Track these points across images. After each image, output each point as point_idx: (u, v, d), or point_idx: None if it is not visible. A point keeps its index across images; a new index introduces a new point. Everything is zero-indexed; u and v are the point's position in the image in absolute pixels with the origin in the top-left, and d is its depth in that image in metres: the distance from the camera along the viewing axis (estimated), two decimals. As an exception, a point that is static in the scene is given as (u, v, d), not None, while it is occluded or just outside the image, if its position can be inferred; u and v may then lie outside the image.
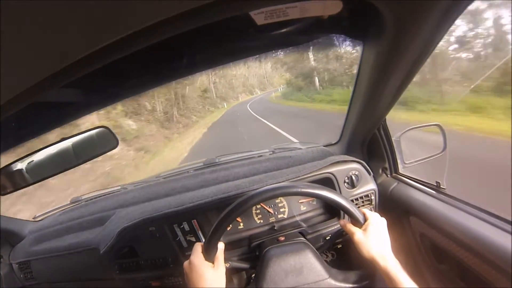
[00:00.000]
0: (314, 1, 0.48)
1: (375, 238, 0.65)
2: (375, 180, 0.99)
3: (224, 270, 0.67)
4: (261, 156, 1.14)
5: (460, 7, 0.46)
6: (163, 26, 0.32)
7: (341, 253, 1.11)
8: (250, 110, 17.12)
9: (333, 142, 1.16)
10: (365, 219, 0.68)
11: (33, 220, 1.21)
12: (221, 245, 0.69)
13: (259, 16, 0.47)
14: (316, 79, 16.27)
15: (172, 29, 0.35)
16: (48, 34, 0.28)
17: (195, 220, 0.91)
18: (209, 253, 0.66)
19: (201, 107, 21.20)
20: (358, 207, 0.95)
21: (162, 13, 0.30)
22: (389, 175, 1.03)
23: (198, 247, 0.67)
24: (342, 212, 0.94)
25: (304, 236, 0.89)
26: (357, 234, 0.66)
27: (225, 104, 26.80)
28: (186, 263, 0.67)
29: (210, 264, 0.65)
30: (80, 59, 0.32)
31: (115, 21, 0.29)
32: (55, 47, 0.30)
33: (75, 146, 0.76)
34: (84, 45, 0.31)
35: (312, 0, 0.48)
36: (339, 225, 0.94)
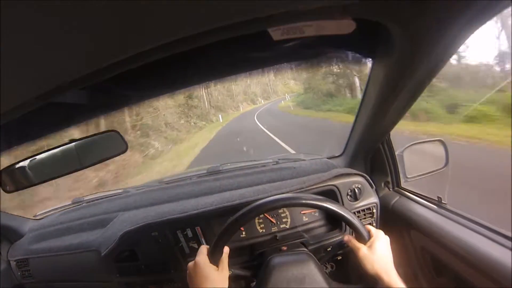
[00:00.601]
0: (330, 20, 0.50)
1: (379, 255, 0.66)
2: (377, 193, 1.00)
3: (227, 274, 0.68)
4: (264, 166, 1.15)
5: (475, 26, 0.46)
6: (184, 42, 0.34)
7: (340, 265, 1.11)
8: (261, 126, 10.98)
9: (336, 155, 1.17)
10: (370, 236, 0.70)
11: (33, 218, 1.20)
12: (226, 249, 0.70)
13: (276, 32, 0.49)
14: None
15: (193, 44, 0.37)
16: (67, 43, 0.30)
17: (198, 227, 0.91)
18: (214, 256, 0.67)
19: (182, 122, 14.25)
20: (360, 220, 0.96)
21: (186, 31, 0.32)
22: (391, 189, 1.04)
23: (204, 249, 0.69)
24: (344, 225, 0.95)
25: (306, 247, 0.89)
26: (362, 250, 0.68)
27: (220, 116, 19.48)
28: (191, 263, 0.68)
29: (215, 267, 0.66)
30: (100, 68, 0.34)
31: (140, 34, 0.31)
32: (75, 56, 0.32)
33: (84, 148, 0.77)
34: (103, 57, 0.33)
35: (327, 19, 0.49)
36: (340, 237, 0.94)
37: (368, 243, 0.69)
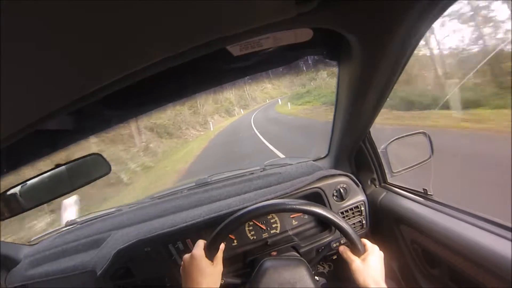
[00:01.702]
0: (286, 31, 0.52)
1: (372, 269, 0.67)
2: (364, 191, 1.01)
3: (221, 270, 0.70)
4: (252, 173, 1.16)
5: (425, 23, 0.49)
6: (152, 67, 0.36)
7: (338, 264, 1.11)
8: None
9: (322, 156, 1.19)
10: (365, 250, 0.71)
11: (28, 244, 1.21)
12: (222, 246, 0.71)
13: (235, 48, 0.51)
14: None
15: (157, 68, 0.39)
16: (52, 71, 0.32)
17: (189, 240, 0.92)
18: (210, 251, 0.68)
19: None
20: (348, 219, 0.97)
21: (153, 57, 0.34)
22: (377, 186, 1.05)
23: (201, 244, 0.70)
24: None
25: (297, 250, 0.90)
26: (356, 262, 0.69)
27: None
28: (187, 255, 0.69)
29: (210, 261, 0.68)
30: (85, 95, 0.36)
31: (113, 63, 0.34)
32: (59, 85, 0.34)
33: (70, 172, 0.79)
34: (88, 84, 0.35)
35: (283, 30, 0.51)
36: (330, 238, 0.95)
37: (362, 256, 0.70)
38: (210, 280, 0.65)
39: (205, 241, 0.71)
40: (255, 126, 12.78)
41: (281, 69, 0.76)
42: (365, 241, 0.73)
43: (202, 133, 17.68)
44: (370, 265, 0.68)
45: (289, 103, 20.58)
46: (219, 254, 0.70)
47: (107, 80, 0.36)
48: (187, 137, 16.20)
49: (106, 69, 0.34)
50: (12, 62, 0.29)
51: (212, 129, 18.45)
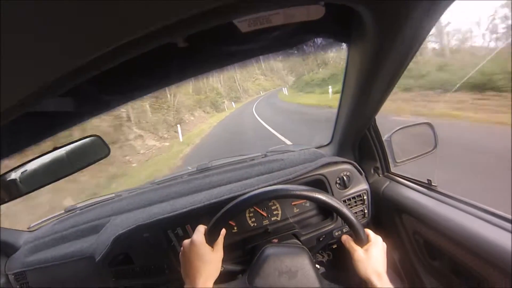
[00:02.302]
0: (297, 7, 0.49)
1: (374, 260, 0.66)
2: (367, 180, 1.00)
3: (221, 256, 0.68)
4: (253, 159, 1.14)
5: (441, 6, 0.47)
6: (150, 37, 0.33)
7: (337, 253, 1.11)
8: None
9: (324, 144, 1.17)
10: (368, 240, 0.70)
11: (27, 230, 1.20)
12: (223, 232, 0.70)
13: (243, 24, 0.48)
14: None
15: (158, 40, 0.36)
16: (46, 42, 0.29)
17: (188, 225, 0.91)
18: (211, 237, 0.67)
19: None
20: (351, 207, 0.96)
21: (151, 24, 0.31)
22: (380, 175, 1.04)
23: (201, 229, 0.68)
24: (335, 214, 0.95)
25: (297, 238, 0.90)
26: (358, 252, 0.68)
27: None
28: (186, 241, 0.68)
29: (210, 247, 0.66)
30: (79, 66, 0.33)
31: (105, 34, 0.31)
32: (53, 55, 0.31)
33: (68, 155, 0.77)
34: (82, 53, 0.32)
35: (294, 6, 0.49)
36: (332, 226, 0.95)
37: (365, 247, 0.69)
38: (210, 267, 0.64)
39: (206, 227, 0.69)
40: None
41: (285, 53, 0.73)
42: (369, 231, 0.72)
43: (166, 143, 11.01)
44: (373, 256, 0.67)
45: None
46: (220, 240, 0.69)
47: (99, 52, 0.33)
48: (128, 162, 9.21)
49: (97, 40, 0.31)
50: None
51: (182, 139, 10.94)
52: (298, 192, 0.68)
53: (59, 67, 0.33)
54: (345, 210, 0.68)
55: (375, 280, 0.63)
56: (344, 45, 0.65)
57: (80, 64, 0.33)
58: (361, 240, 0.69)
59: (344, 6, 0.45)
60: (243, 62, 0.68)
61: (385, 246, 0.72)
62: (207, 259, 0.64)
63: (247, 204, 0.69)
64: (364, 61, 0.62)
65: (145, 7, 0.29)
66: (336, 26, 0.60)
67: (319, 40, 0.67)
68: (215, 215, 0.68)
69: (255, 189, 0.72)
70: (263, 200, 0.70)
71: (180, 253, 0.68)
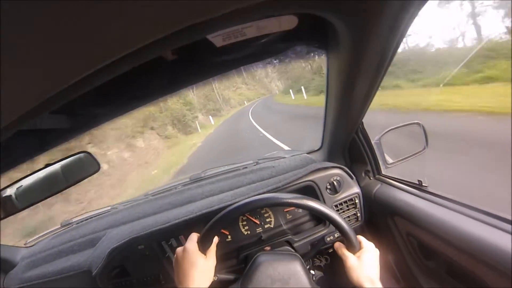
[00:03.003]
0: (269, 19, 0.51)
1: (367, 267, 0.66)
2: (359, 183, 1.00)
3: (214, 263, 0.69)
4: (245, 167, 1.15)
5: (413, 6, 0.47)
6: (132, 56, 0.35)
7: (334, 257, 1.11)
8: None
9: (315, 149, 1.18)
10: (361, 247, 0.70)
11: (24, 246, 1.21)
12: (215, 239, 0.71)
13: (217, 39, 0.50)
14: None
15: (137, 60, 0.38)
16: (39, 61, 0.30)
17: (182, 236, 0.91)
18: (204, 244, 0.68)
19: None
20: (343, 212, 0.96)
21: (128, 45, 0.33)
22: (372, 178, 1.04)
23: (194, 237, 0.69)
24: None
25: (290, 245, 0.90)
26: (351, 259, 0.68)
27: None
28: (179, 249, 0.68)
29: (203, 255, 0.67)
30: (71, 85, 0.35)
31: (93, 52, 0.32)
32: (45, 74, 0.33)
33: (60, 171, 0.78)
34: (75, 71, 0.34)
35: (267, 18, 0.50)
36: (324, 231, 0.94)
37: (357, 254, 0.69)
38: (203, 274, 0.64)
39: (198, 234, 0.70)
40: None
41: (267, 61, 0.74)
42: (361, 238, 0.72)
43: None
44: (365, 262, 0.67)
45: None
46: (212, 248, 0.70)
47: (83, 74, 0.34)
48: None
49: (83, 63, 0.33)
50: None
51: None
52: (289, 200, 0.69)
53: (56, 83, 0.34)
54: (336, 217, 0.68)
55: (367, 285, 0.63)
56: (322, 52, 0.66)
57: (74, 81, 0.34)
58: (353, 247, 0.69)
59: (315, 16, 0.46)
60: (226, 73, 0.70)
61: (378, 252, 0.72)
62: (200, 266, 0.65)
63: (238, 212, 0.70)
64: (343, 66, 0.63)
65: (126, 29, 0.30)
66: (311, 35, 0.61)
67: (298, 48, 0.69)
68: (208, 223, 0.69)
69: (246, 198, 0.72)
70: (253, 208, 0.70)
71: (174, 260, 0.68)
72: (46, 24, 0.27)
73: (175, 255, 0.68)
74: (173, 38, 0.35)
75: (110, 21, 0.29)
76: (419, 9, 0.50)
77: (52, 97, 0.36)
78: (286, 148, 5.83)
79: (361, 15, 0.46)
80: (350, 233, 0.68)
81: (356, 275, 0.65)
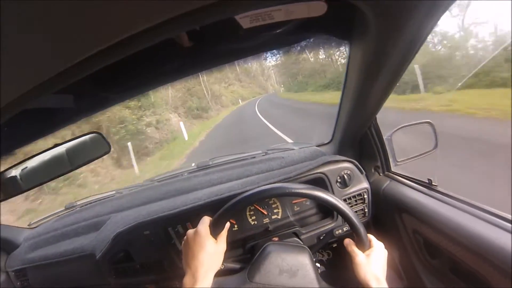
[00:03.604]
0: (299, 3, 0.49)
1: (375, 265, 0.67)
2: (368, 178, 1.00)
3: (224, 249, 0.69)
4: (254, 157, 1.14)
5: (443, 5, 0.47)
6: (151, 32, 0.33)
7: (337, 252, 1.11)
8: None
9: (325, 142, 1.17)
10: (370, 246, 0.71)
11: (28, 227, 1.20)
12: (227, 225, 0.70)
13: (245, 20, 0.48)
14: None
15: (159, 35, 0.36)
16: (44, 40, 0.29)
17: (189, 223, 0.91)
18: (215, 229, 0.67)
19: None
20: (351, 206, 0.96)
21: (152, 19, 0.30)
22: (381, 174, 1.04)
23: (206, 220, 0.69)
24: (335, 213, 0.95)
25: (298, 236, 0.90)
26: (360, 257, 0.68)
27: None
28: (190, 231, 0.68)
29: (214, 239, 0.66)
30: (78, 62, 0.33)
31: (108, 28, 0.30)
32: (51, 52, 0.31)
33: (69, 151, 0.77)
34: (82, 49, 0.32)
35: (296, 2, 0.49)
36: (332, 225, 0.94)
37: (367, 252, 0.69)
38: (212, 258, 0.64)
39: (211, 218, 0.69)
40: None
41: (285, 50, 0.73)
42: (371, 237, 0.73)
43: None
44: (373, 261, 0.67)
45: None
46: (224, 233, 0.69)
47: (97, 47, 0.32)
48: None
49: (93, 38, 0.31)
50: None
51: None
52: (305, 192, 0.68)
53: (60, 62, 0.33)
54: (350, 213, 0.68)
55: (373, 284, 0.63)
56: (345, 43, 0.65)
57: (80, 60, 0.33)
58: (363, 245, 0.69)
59: (346, 4, 0.45)
60: (240, 59, 0.68)
61: (386, 252, 0.72)
62: (210, 250, 0.64)
63: (252, 199, 0.69)
64: (366, 59, 0.62)
65: (147, 1, 0.28)
66: (338, 24, 0.59)
67: (320, 38, 0.67)
68: (217, 211, 0.68)
69: (256, 187, 0.72)
70: (268, 197, 0.70)
71: (183, 242, 0.68)
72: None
73: (186, 237, 0.68)
74: (201, 14, 0.34)
75: None
76: (449, 6, 0.49)
77: (58, 75, 0.34)
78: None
79: (395, 8, 0.45)
80: (362, 230, 0.68)
81: (364, 273, 0.65)
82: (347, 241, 0.74)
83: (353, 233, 0.70)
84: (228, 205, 0.68)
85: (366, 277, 0.65)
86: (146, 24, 0.31)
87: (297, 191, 0.69)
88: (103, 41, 0.32)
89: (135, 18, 0.30)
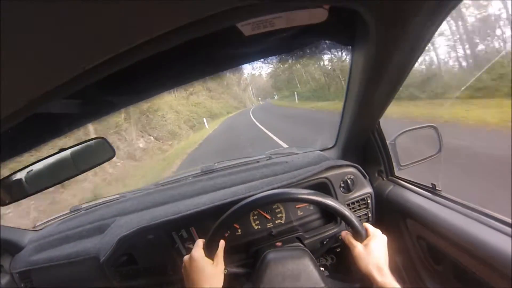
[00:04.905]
0: (300, 10, 0.49)
1: (374, 254, 0.65)
2: (371, 183, 0.99)
3: (223, 268, 0.68)
4: (258, 162, 1.14)
5: (445, 8, 0.47)
6: (155, 42, 0.34)
7: (340, 257, 1.10)
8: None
9: (329, 146, 1.17)
10: (367, 235, 0.69)
11: (33, 229, 1.22)
12: (222, 243, 0.70)
13: (246, 27, 0.49)
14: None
15: (163, 45, 0.37)
16: (52, 47, 0.30)
17: (193, 228, 0.91)
18: (210, 250, 0.67)
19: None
20: (355, 211, 0.95)
21: (158, 29, 0.31)
22: (385, 178, 1.03)
23: (200, 243, 0.69)
24: (339, 218, 0.94)
25: (301, 241, 0.89)
26: (358, 248, 0.66)
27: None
28: (186, 257, 0.68)
29: (210, 260, 0.66)
30: (86, 71, 0.34)
31: (114, 37, 0.31)
32: (60, 61, 0.32)
33: (74, 156, 0.77)
34: (89, 58, 0.33)
35: (297, 10, 0.49)
36: (336, 229, 0.94)
37: (365, 242, 0.68)
38: (212, 281, 0.64)
39: (204, 240, 0.69)
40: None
41: (286, 55, 0.73)
42: (367, 225, 0.71)
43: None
44: (373, 250, 0.65)
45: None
46: (220, 252, 0.69)
47: (102, 58, 0.33)
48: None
49: (101, 47, 0.32)
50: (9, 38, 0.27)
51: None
52: (295, 196, 0.69)
53: (69, 69, 0.34)
54: (340, 207, 0.67)
55: (376, 274, 0.62)
56: (348, 48, 0.65)
57: (89, 67, 0.33)
58: (360, 235, 0.68)
59: (347, 9, 0.45)
60: (240, 66, 0.69)
61: (385, 238, 0.70)
62: (208, 273, 0.64)
63: (244, 210, 0.69)
64: (368, 63, 0.62)
65: (153, 12, 0.29)
66: (340, 29, 0.59)
67: (322, 43, 0.67)
68: (218, 220, 0.68)
69: (258, 193, 0.72)
70: (262, 205, 0.70)
71: (182, 268, 0.68)
72: (63, 7, 0.26)
73: (183, 264, 0.68)
74: (204, 23, 0.34)
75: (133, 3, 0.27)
76: (451, 11, 0.49)
77: (66, 83, 0.35)
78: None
79: (398, 13, 0.46)
80: (355, 220, 0.67)
81: (364, 264, 0.64)
82: (344, 234, 0.72)
83: (348, 226, 0.69)
84: (218, 223, 0.68)
85: (367, 269, 0.63)
86: (153, 33, 0.32)
87: (287, 196, 0.69)
88: (109, 51, 0.33)
89: (144, 27, 0.31)
